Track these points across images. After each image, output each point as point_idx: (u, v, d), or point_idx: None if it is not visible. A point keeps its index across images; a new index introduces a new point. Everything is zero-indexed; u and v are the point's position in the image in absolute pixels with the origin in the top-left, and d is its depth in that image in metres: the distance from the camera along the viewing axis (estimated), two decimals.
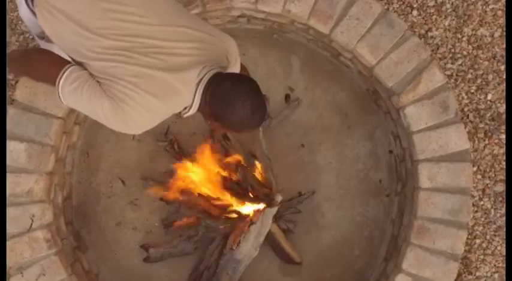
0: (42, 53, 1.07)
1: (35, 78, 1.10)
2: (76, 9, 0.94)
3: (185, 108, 0.98)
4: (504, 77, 1.52)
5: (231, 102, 0.90)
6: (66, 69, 0.96)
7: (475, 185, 1.48)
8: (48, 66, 1.00)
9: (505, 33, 1.53)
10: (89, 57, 0.96)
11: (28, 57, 1.07)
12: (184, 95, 0.95)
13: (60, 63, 0.98)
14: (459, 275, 1.46)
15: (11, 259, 1.36)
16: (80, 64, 0.98)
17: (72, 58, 1.00)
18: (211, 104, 0.94)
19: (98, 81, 0.95)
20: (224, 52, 1.02)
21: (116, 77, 0.93)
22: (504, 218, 1.48)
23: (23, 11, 1.05)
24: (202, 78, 0.94)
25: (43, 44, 1.09)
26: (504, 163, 1.49)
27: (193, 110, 0.98)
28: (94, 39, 0.94)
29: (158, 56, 0.94)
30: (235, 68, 1.06)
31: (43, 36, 1.08)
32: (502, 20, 1.54)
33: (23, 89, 1.41)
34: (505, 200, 1.49)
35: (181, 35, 0.96)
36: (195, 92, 0.95)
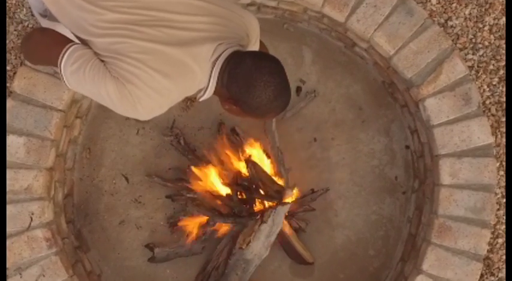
0: (44, 32, 0.98)
1: (38, 60, 1.01)
2: None
3: (200, 90, 0.88)
4: None
5: (252, 84, 0.80)
6: (68, 48, 0.87)
7: (497, 181, 1.40)
8: (50, 45, 0.91)
9: None
10: (92, 33, 0.86)
11: (29, 37, 0.98)
12: (198, 75, 0.85)
13: (63, 42, 0.89)
14: (481, 276, 1.38)
15: (9, 259, 1.29)
16: (85, 43, 0.90)
17: (77, 37, 0.92)
18: (229, 85, 0.84)
19: (102, 61, 0.85)
20: (244, 29, 0.92)
21: (121, 54, 0.83)
22: None
23: None
24: (219, 57, 0.84)
25: (46, 23, 1.00)
26: None
27: (209, 92, 0.87)
28: (97, 13, 0.85)
29: (168, 30, 0.84)
30: (255, 48, 0.97)
31: (46, 14, 1.00)
32: None
33: (21, 80, 1.34)
34: None
35: (195, 8, 0.86)
36: (211, 71, 0.85)
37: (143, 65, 0.82)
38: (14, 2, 1.49)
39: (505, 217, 1.41)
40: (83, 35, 0.89)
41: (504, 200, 1.42)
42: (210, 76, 0.85)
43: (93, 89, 0.86)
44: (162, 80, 0.83)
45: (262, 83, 0.80)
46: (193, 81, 0.87)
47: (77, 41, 0.91)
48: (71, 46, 0.88)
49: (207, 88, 0.87)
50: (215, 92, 0.88)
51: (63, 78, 0.89)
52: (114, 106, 0.86)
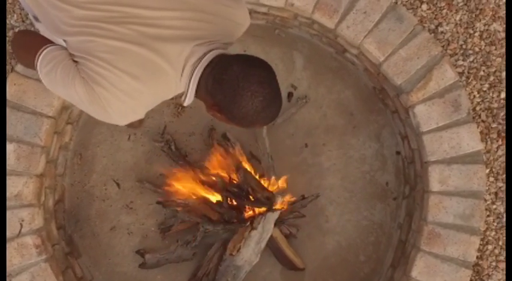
0: (25, 33, 0.96)
1: (21, 62, 0.98)
2: None
3: (181, 95, 0.83)
4: None
5: (238, 93, 0.74)
6: (44, 49, 0.83)
7: (487, 188, 1.41)
8: (29, 47, 0.87)
9: None
10: (65, 32, 0.83)
11: (13, 39, 0.96)
12: (172, 77, 0.79)
13: (41, 44, 0.85)
14: None
15: None
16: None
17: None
18: (213, 92, 0.77)
19: (76, 62, 0.81)
20: (233, 22, 0.85)
21: (89, 54, 0.79)
22: None
23: None
24: (200, 60, 0.78)
25: (39, 26, 0.98)
26: None
27: (189, 98, 0.81)
28: (67, 10, 0.81)
29: (138, 27, 0.78)
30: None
31: (37, 17, 0.98)
32: None
33: (11, 87, 1.34)
34: None
35: (172, 3, 0.80)
36: (191, 75, 0.78)
37: (110, 66, 0.77)
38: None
39: (495, 224, 1.41)
40: (59, 35, 0.87)
41: (494, 206, 1.42)
42: (190, 80, 0.79)
43: (66, 91, 0.82)
44: (132, 81, 0.78)
45: (250, 93, 0.74)
46: (168, 84, 0.81)
47: (62, 43, 0.88)
48: (46, 47, 0.85)
49: (186, 93, 0.81)
50: (200, 98, 0.82)
51: (42, 81, 0.86)
52: (87, 109, 0.82)
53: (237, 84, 0.75)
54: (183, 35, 0.80)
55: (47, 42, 0.88)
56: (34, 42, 0.89)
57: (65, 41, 0.88)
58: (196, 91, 0.81)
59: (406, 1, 1.48)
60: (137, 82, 0.79)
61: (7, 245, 1.30)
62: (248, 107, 0.75)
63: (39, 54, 0.85)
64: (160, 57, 0.78)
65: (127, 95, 0.79)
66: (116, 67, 0.78)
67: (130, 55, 0.78)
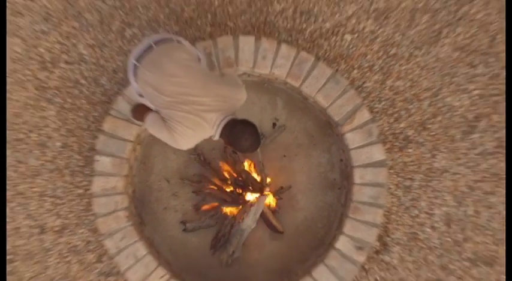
0: (138, 105, 1.97)
1: (136, 120, 2.02)
2: (155, 82, 1.68)
3: (212, 136, 1.77)
4: (411, 112, 2.38)
5: (239, 138, 1.59)
6: (148, 114, 1.81)
7: (391, 181, 2.34)
8: (140, 113, 1.89)
9: (414, 84, 2.39)
10: (160, 106, 1.75)
11: (133, 108, 1.99)
12: (207, 129, 1.66)
13: (146, 111, 1.84)
14: (381, 237, 2.32)
15: (104, 228, 2.22)
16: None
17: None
18: (228, 137, 1.64)
19: (164, 120, 1.74)
20: (236, 100, 1.72)
21: (171, 118, 1.68)
22: (411, 202, 2.34)
23: (132, 82, 1.84)
24: (222, 121, 1.66)
25: (142, 99, 1.92)
26: (410, 167, 2.35)
27: (216, 138, 1.75)
28: (160, 97, 1.67)
29: (193, 105, 1.64)
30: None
31: (141, 95, 1.92)
32: (411, 76, 2.40)
33: (109, 124, 2.27)
34: (414, 191, 2.35)
35: (209, 92, 1.63)
36: (217, 128, 1.68)
37: (181, 124, 1.65)
38: (97, 73, 2.42)
39: (396, 203, 2.34)
40: (155, 107, 1.81)
41: (396, 192, 2.35)
42: (216, 130, 1.66)
43: (159, 134, 1.74)
44: (190, 131, 1.65)
45: (244, 139, 1.59)
46: (206, 132, 1.68)
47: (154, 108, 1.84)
48: (149, 113, 1.81)
49: (214, 136, 1.68)
50: (221, 137, 1.72)
51: (147, 129, 1.81)
52: (168, 142, 1.73)
53: (237, 135, 1.61)
54: (213, 109, 1.71)
55: (148, 109, 1.85)
56: (143, 110, 1.87)
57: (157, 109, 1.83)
58: (220, 135, 1.73)
59: (344, 68, 2.42)
60: (192, 131, 1.71)
61: (108, 217, 2.23)
62: (243, 145, 1.62)
63: (145, 117, 1.81)
64: (204, 120, 1.70)
65: (187, 137, 1.72)
66: (183, 125, 1.70)
67: (190, 119, 1.70)
